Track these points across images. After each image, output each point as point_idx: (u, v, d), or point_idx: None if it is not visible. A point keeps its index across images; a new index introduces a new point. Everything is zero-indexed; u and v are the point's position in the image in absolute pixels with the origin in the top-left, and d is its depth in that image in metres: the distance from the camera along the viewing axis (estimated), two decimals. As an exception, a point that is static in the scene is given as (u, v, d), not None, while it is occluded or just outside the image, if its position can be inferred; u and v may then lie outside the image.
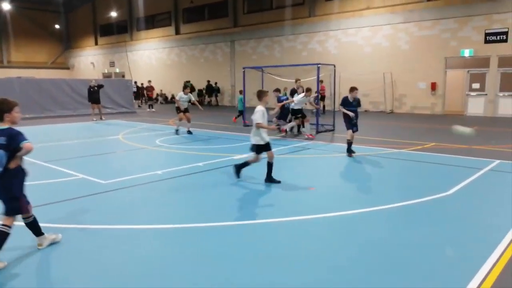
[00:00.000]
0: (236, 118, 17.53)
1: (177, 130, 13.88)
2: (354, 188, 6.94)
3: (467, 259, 4.04)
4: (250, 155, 7.33)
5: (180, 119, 13.73)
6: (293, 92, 14.62)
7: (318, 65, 13.75)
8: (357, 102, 9.84)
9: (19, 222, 4.18)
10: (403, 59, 21.79)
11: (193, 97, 14.60)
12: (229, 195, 6.41)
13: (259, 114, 6.82)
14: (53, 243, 4.37)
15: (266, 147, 7.01)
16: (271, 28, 27.39)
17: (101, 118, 18.94)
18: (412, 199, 5.95)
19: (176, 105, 13.99)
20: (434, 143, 11.17)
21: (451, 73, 20.81)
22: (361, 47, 23.39)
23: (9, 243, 3.97)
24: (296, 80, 14.29)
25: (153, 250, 4.32)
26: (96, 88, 18.95)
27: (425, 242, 4.43)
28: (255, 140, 6.95)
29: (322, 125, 14.38)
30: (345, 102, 9.80)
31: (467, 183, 6.86)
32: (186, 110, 13.74)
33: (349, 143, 9.59)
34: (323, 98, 21.30)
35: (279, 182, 6.95)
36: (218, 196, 6.36)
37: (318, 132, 13.73)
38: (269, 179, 7.02)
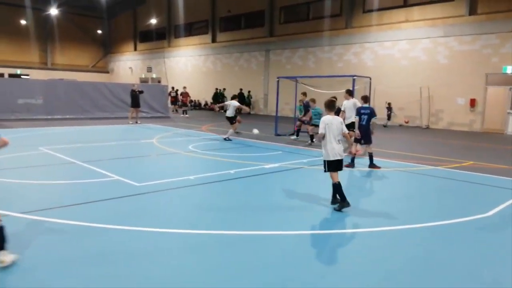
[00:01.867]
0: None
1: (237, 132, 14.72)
2: (388, 204, 6.78)
3: (501, 286, 3.86)
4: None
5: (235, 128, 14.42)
6: (306, 106, 14.41)
7: (354, 77, 13.61)
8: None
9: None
10: (441, 73, 21.25)
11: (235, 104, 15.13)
12: (258, 204, 6.41)
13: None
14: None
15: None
16: (307, 39, 27.40)
17: (136, 122, 19.45)
18: (448, 219, 5.76)
19: (226, 115, 14.51)
20: (472, 162, 10.79)
21: (492, 90, 20.09)
22: (398, 60, 23.01)
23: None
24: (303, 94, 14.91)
25: (176, 255, 4.38)
26: (138, 92, 19.52)
27: (459, 264, 4.27)
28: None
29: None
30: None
31: (507, 205, 6.57)
32: (230, 119, 14.40)
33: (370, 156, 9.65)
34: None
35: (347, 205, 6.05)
36: (246, 204, 6.36)
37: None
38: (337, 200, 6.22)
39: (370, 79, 15.48)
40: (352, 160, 9.58)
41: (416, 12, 22.54)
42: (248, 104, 30.23)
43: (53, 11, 38.96)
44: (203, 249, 4.53)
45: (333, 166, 6.08)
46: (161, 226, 5.16)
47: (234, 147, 12.54)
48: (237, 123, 14.49)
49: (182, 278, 3.80)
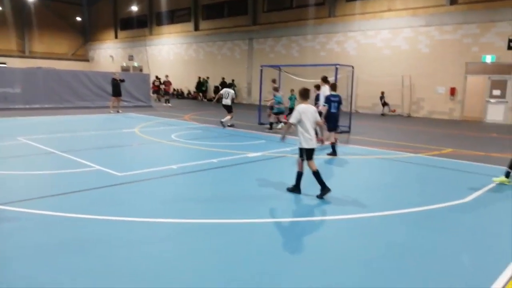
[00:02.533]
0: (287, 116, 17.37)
1: (227, 125, 14.56)
2: (369, 191, 6.87)
3: (481, 269, 3.97)
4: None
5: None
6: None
7: (337, 66, 13.65)
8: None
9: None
10: (422, 62, 21.50)
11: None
12: (241, 192, 6.41)
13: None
14: None
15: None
16: (290, 27, 27.31)
17: (118, 111, 19.16)
18: (428, 204, 5.87)
19: (224, 103, 14.66)
20: (451, 149, 11.00)
21: (472, 78, 20.44)
22: (380, 49, 23.16)
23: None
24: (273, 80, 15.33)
25: (156, 244, 4.36)
26: (119, 81, 19.19)
27: (439, 249, 4.36)
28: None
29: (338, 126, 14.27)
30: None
31: (484, 191, 6.73)
32: (227, 108, 14.67)
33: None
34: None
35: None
36: (229, 193, 6.36)
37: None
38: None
39: (353, 68, 15.56)
40: (333, 148, 9.64)
41: (398, 1, 22.64)
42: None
43: (30, -3, 37.83)
44: (182, 238, 4.52)
45: (310, 154, 6.15)
46: (143, 216, 5.12)
47: (218, 136, 12.49)
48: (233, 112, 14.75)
49: (159, 266, 3.78)
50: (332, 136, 9.77)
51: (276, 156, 9.45)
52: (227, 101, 14.57)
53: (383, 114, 22.24)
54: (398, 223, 5.22)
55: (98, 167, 7.68)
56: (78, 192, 6.07)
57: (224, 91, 14.95)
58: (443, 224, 5.17)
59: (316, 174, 6.11)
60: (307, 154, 6.15)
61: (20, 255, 3.94)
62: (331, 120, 9.81)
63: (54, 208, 5.25)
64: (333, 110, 9.79)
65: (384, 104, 22.52)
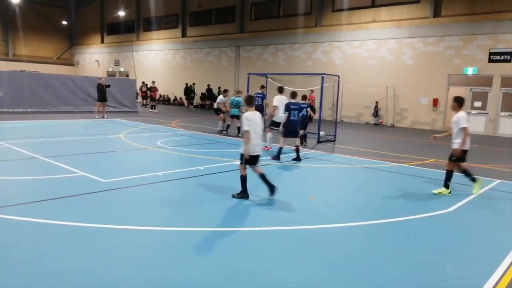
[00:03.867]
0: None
1: (222, 131, 15.04)
2: (353, 200, 6.95)
3: (466, 278, 4.05)
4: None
5: (224, 120, 15.09)
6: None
7: (323, 75, 13.82)
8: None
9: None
10: (406, 73, 21.90)
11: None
12: (226, 201, 6.41)
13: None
14: None
15: None
16: (277, 36, 27.53)
17: (103, 116, 18.97)
18: (412, 214, 5.97)
19: (215, 107, 15.73)
20: (434, 159, 11.21)
21: (454, 90, 20.86)
22: (365, 59, 23.51)
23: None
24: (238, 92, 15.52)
25: (137, 251, 4.34)
26: (105, 86, 19.01)
27: (424, 258, 4.44)
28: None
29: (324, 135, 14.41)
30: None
31: (467, 201, 6.88)
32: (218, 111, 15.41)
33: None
34: (312, 108, 20.82)
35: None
36: (215, 202, 6.35)
37: (318, 142, 13.76)
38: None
39: (339, 77, 15.75)
40: (297, 153, 9.95)
41: (383, 12, 23.09)
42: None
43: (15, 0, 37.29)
44: (165, 246, 4.51)
45: (251, 161, 6.28)
46: (127, 223, 5.08)
47: (204, 143, 12.47)
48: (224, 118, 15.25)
49: (140, 273, 3.76)
50: (282, 141, 10.05)
51: (262, 164, 9.46)
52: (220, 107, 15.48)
53: (376, 124, 22.60)
54: (379, 233, 5.28)
55: (82, 173, 7.59)
56: (61, 198, 6.00)
57: (221, 99, 15.82)
58: (426, 233, 5.26)
59: (262, 176, 6.34)
60: (247, 160, 6.25)
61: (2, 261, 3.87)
62: (290, 127, 10.01)
63: (35, 215, 5.17)
64: (292, 118, 10.01)
65: (376, 114, 22.80)
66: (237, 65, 30.20)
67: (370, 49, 23.33)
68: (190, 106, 31.86)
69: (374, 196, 7.18)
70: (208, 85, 30.69)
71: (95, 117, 18.68)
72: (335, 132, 14.61)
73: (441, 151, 13.11)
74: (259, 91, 14.62)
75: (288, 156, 10.80)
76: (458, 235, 5.32)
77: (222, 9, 31.46)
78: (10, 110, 19.17)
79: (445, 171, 7.35)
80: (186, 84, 32.56)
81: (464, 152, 7.21)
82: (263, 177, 6.38)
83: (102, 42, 43.48)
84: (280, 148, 10.00)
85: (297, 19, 26.35)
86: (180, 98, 33.73)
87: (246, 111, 6.51)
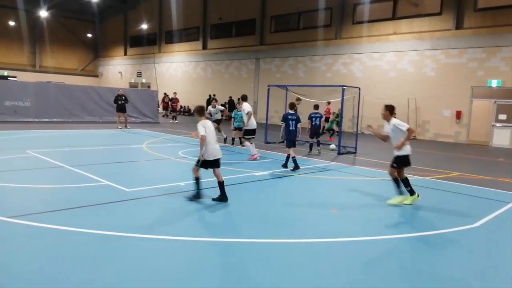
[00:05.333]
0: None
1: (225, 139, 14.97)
2: (376, 214, 6.87)
3: (493, 294, 3.95)
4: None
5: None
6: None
7: (344, 87, 13.79)
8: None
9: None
10: (428, 85, 21.65)
11: (221, 107, 16.05)
12: (247, 212, 6.44)
13: None
14: None
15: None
16: (297, 48, 27.68)
17: (126, 126, 19.32)
18: (436, 229, 5.87)
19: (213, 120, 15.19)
20: (458, 173, 11.00)
21: (477, 102, 20.53)
22: (386, 71, 23.38)
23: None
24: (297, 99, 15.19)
25: (162, 260, 4.39)
26: (123, 98, 19.40)
27: (450, 274, 4.36)
28: None
29: (344, 147, 14.33)
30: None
31: (494, 216, 6.71)
32: (218, 122, 14.97)
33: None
34: (327, 119, 20.52)
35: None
36: (235, 212, 6.38)
37: (339, 153, 13.69)
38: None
39: (359, 89, 15.70)
40: (295, 162, 10.06)
41: (404, 25, 22.99)
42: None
43: (43, 13, 38.63)
44: (187, 256, 4.55)
45: (209, 164, 6.67)
46: (152, 233, 5.15)
47: (224, 154, 12.53)
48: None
49: (165, 283, 3.80)
50: (292, 151, 10.20)
51: (283, 175, 9.49)
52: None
53: None
54: (403, 247, 5.21)
55: (106, 182, 7.75)
56: (87, 206, 6.13)
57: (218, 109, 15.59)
58: (452, 249, 5.16)
59: (221, 184, 6.69)
60: (205, 164, 6.64)
61: (31, 268, 3.98)
62: (289, 137, 10.36)
63: (62, 223, 5.29)
64: (291, 128, 10.35)
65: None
66: (256, 77, 30.43)
67: (390, 61, 23.20)
68: (210, 117, 32.14)
69: (397, 210, 7.08)
70: (230, 97, 30.98)
71: (117, 127, 19.04)
72: (356, 144, 14.51)
73: (466, 165, 12.88)
74: (316, 111, 13.78)
75: (309, 168, 10.78)
76: (484, 251, 5.19)
77: (242, 22, 31.89)
78: (37, 119, 19.76)
79: (393, 181, 7.22)
80: (209, 95, 32.97)
81: (406, 157, 7.09)
82: (221, 184, 6.69)
83: (125, 54, 44.51)
84: (294, 157, 10.11)
85: (317, 31, 26.46)
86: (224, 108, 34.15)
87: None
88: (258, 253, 4.71)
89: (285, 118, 10.39)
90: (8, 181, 7.45)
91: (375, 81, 23.53)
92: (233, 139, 14.70)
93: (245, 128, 12.03)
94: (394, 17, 23.48)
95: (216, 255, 4.58)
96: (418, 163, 12.51)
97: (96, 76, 48.09)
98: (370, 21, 24.17)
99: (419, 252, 5.00)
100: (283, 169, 10.07)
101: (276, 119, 25.09)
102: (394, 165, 7.08)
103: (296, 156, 10.21)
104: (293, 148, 10.31)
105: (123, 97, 19.37)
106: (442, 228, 5.90)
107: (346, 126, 22.15)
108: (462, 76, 20.50)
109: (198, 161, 6.69)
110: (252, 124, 11.98)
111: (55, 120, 20.27)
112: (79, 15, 43.74)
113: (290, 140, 10.34)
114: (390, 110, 7.23)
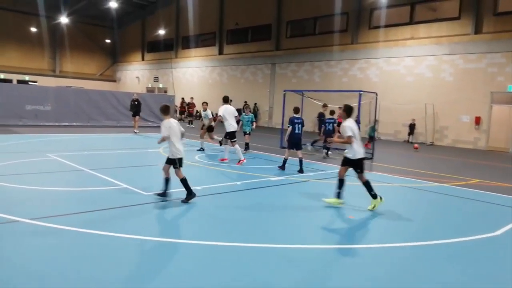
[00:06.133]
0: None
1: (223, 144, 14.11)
2: (393, 220, 6.80)
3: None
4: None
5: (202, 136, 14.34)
6: (320, 116, 15.67)
7: (360, 92, 13.73)
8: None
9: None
10: (446, 90, 21.37)
11: (210, 114, 14.88)
12: (263, 216, 6.45)
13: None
14: None
15: None
16: (313, 53, 27.66)
17: (134, 131, 19.36)
18: (455, 237, 5.78)
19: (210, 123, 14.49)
20: (478, 180, 10.81)
21: (497, 108, 20.15)
22: (403, 76, 23.17)
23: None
24: (323, 105, 15.27)
25: (179, 264, 4.43)
26: (136, 102, 19.67)
27: (470, 284, 4.29)
28: None
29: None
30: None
31: (514, 224, 6.59)
32: (210, 129, 14.25)
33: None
34: (339, 124, 20.45)
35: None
36: (252, 217, 6.41)
37: (356, 159, 13.59)
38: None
39: (377, 94, 15.59)
40: (300, 165, 10.45)
41: (421, 29, 22.78)
42: (255, 115, 30.27)
43: (63, 19, 39.51)
44: (206, 260, 4.58)
45: (180, 163, 6.84)
46: (169, 236, 5.21)
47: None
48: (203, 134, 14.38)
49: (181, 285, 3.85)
50: (286, 152, 10.75)
51: (299, 181, 9.47)
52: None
53: (410, 142, 21.87)
54: (419, 255, 5.14)
55: (125, 185, 7.86)
56: (108, 209, 6.23)
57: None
58: (471, 258, 5.08)
59: (183, 180, 6.79)
60: (179, 162, 6.80)
61: (53, 270, 4.07)
62: (293, 140, 10.62)
63: (82, 225, 5.39)
64: (296, 131, 10.63)
65: (411, 132, 22.23)
66: (272, 82, 30.50)
67: (408, 66, 22.99)
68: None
69: (414, 217, 7.01)
70: (245, 102, 31.04)
71: (134, 132, 19.26)
72: (373, 149, 14.40)
73: (485, 171, 12.65)
74: (331, 117, 14.18)
75: (325, 173, 10.74)
76: (505, 261, 5.09)
77: (258, 27, 32.06)
78: (57, 123, 20.18)
79: (338, 181, 7.11)
80: (245, 102, 33.20)
81: (360, 160, 6.97)
82: (184, 181, 6.80)
83: (143, 59, 45.15)
84: (285, 159, 10.63)
85: (333, 36, 26.41)
86: (216, 114, 34.24)
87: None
88: (275, 258, 4.72)
89: (291, 122, 10.65)
90: (29, 183, 7.62)
91: (392, 86, 23.34)
92: (246, 144, 14.56)
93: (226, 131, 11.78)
94: (411, 21, 23.29)
95: (234, 259, 4.60)
96: (436, 170, 12.35)
97: (114, 81, 48.87)
98: (387, 26, 24.02)
99: (435, 261, 4.93)
100: (313, 175, 10.19)
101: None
102: (358, 170, 7.01)
103: (313, 161, 10.21)
104: (300, 150, 10.65)
105: (136, 101, 19.63)
106: (462, 236, 5.81)
107: (362, 131, 21.99)
108: (481, 81, 20.17)
109: (168, 160, 6.87)
110: (233, 126, 11.68)
111: (74, 124, 20.66)
112: (98, 21, 44.60)
113: (295, 142, 10.66)
114: (347, 112, 7.15)
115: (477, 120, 20.33)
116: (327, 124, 13.94)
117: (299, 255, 4.86)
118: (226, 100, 12.27)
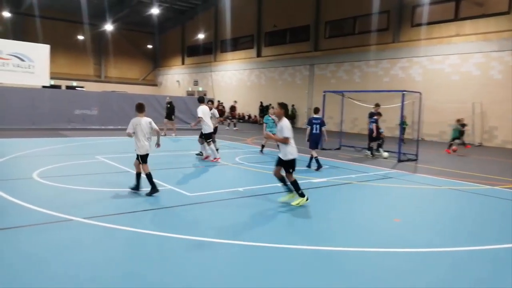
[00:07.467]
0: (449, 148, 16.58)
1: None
2: (442, 224, 6.57)
3: None
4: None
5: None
6: (371, 116, 14.72)
7: (404, 92, 13.37)
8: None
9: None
10: (495, 89, 20.37)
11: (216, 114, 13.97)
12: (306, 218, 6.41)
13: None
14: None
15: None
16: (352, 53, 27.22)
17: (164, 134, 19.42)
18: (507, 242, 5.50)
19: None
20: (532, 182, 10.23)
21: (552, 106, 18.99)
22: (448, 74, 22.32)
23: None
24: (376, 105, 14.60)
25: (222, 264, 4.48)
26: (169, 105, 20.08)
27: (528, 290, 4.07)
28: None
29: (404, 153, 13.85)
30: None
31: None
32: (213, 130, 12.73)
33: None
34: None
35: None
36: (294, 218, 6.38)
37: (399, 161, 13.23)
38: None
39: (420, 94, 15.12)
40: (318, 162, 10.86)
41: (467, 26, 21.86)
42: (293, 117, 30.22)
43: (108, 27, 41.14)
44: (250, 261, 4.62)
45: (143, 158, 7.37)
46: (215, 236, 5.29)
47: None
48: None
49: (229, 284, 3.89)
50: (314, 152, 11.01)
51: (341, 183, 9.35)
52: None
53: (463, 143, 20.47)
54: (471, 260, 4.93)
55: (170, 186, 8.08)
56: (154, 210, 6.42)
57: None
58: (529, 262, 4.82)
59: (148, 175, 7.31)
60: (141, 158, 7.40)
61: (107, 266, 4.25)
62: (313, 139, 11.00)
63: (131, 224, 5.58)
64: (314, 131, 11.00)
65: (463, 132, 21.12)
66: (310, 83, 30.29)
67: (453, 64, 22.13)
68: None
69: (464, 220, 6.74)
70: (261, 102, 31.16)
71: (172, 135, 19.46)
72: (417, 150, 13.98)
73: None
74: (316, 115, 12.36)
75: (368, 175, 10.55)
76: None
77: (296, 29, 31.96)
78: (103, 127, 21.01)
79: (278, 180, 7.24)
80: (261, 103, 33.34)
81: (292, 161, 6.96)
82: (149, 176, 7.32)
83: (183, 63, 46.18)
84: (316, 158, 10.93)
85: (373, 35, 25.86)
86: (255, 116, 34.54)
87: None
88: (319, 261, 4.69)
89: (310, 122, 11.04)
90: (81, 184, 7.99)
91: (436, 85, 22.54)
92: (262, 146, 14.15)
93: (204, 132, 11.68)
94: (456, 18, 22.41)
95: (279, 261, 4.61)
96: (485, 171, 11.80)
97: (156, 85, 50.28)
98: (430, 23, 23.24)
99: (486, 267, 4.71)
100: (355, 177, 10.08)
101: (331, 125, 24.74)
102: (291, 170, 7.05)
103: (342, 161, 10.06)
104: (316, 149, 11.03)
105: (169, 104, 20.00)
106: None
107: (405, 132, 21.37)
108: (533, 79, 19.09)
109: (138, 156, 7.44)
110: (210, 127, 11.68)
111: (119, 127, 21.37)
112: (140, 28, 46.07)
113: (313, 142, 10.98)
114: (284, 109, 7.10)
115: (530, 120, 19.24)
116: (314, 125, 11.54)
117: (339, 257, 4.80)
118: (201, 100, 12.31)
